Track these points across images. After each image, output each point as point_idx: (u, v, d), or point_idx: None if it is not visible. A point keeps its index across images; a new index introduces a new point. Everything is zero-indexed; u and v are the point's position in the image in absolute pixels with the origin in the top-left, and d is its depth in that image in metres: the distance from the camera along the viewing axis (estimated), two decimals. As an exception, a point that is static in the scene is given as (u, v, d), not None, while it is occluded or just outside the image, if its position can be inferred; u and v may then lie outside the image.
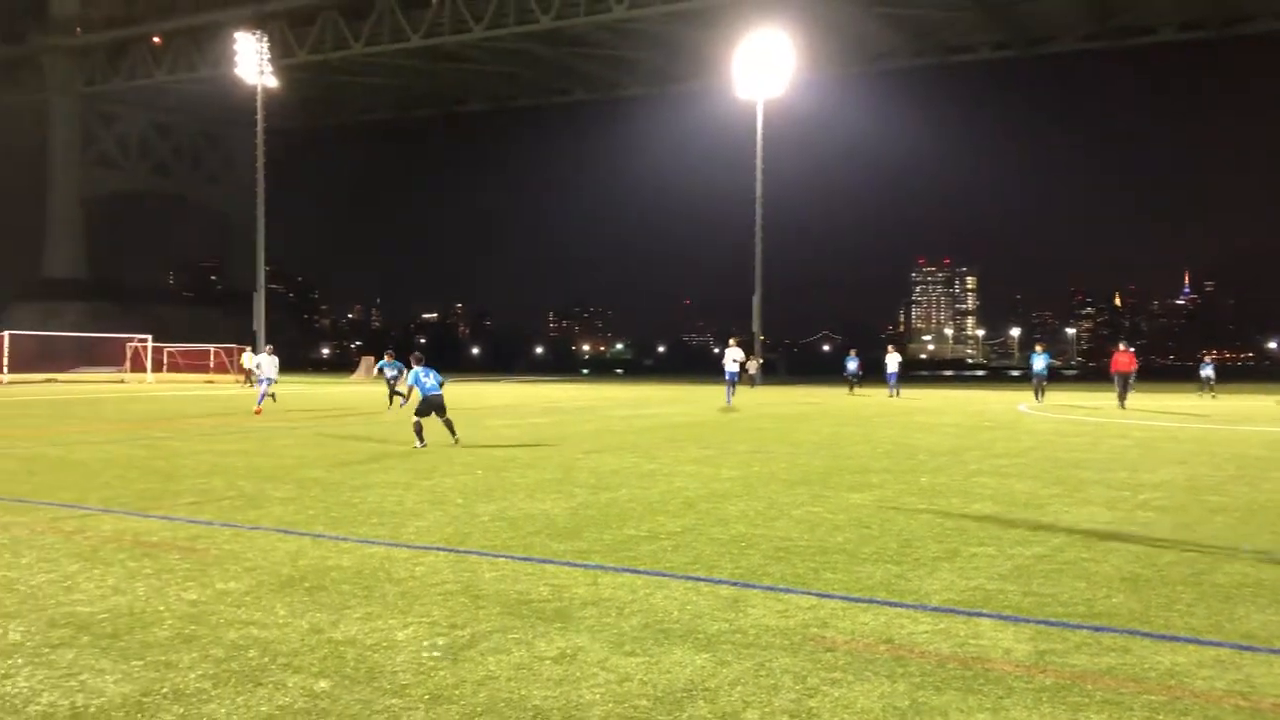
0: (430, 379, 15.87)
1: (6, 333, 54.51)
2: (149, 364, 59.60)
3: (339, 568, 7.04)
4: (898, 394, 36.85)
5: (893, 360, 38.71)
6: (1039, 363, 33.04)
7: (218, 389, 47.23)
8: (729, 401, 29.83)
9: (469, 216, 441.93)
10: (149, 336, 61.40)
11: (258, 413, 24.74)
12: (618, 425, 21.24)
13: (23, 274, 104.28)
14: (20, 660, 4.90)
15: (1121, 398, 29.02)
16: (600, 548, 7.84)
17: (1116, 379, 29.51)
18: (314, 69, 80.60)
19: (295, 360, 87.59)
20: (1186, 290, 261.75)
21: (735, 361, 31.55)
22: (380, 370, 27.46)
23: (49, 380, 53.27)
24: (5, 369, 51.86)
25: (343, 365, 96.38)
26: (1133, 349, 31.16)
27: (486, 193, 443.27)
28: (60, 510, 9.58)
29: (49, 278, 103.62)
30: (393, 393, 25.94)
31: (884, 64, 69.86)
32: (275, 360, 27.09)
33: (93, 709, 4.26)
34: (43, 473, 12.59)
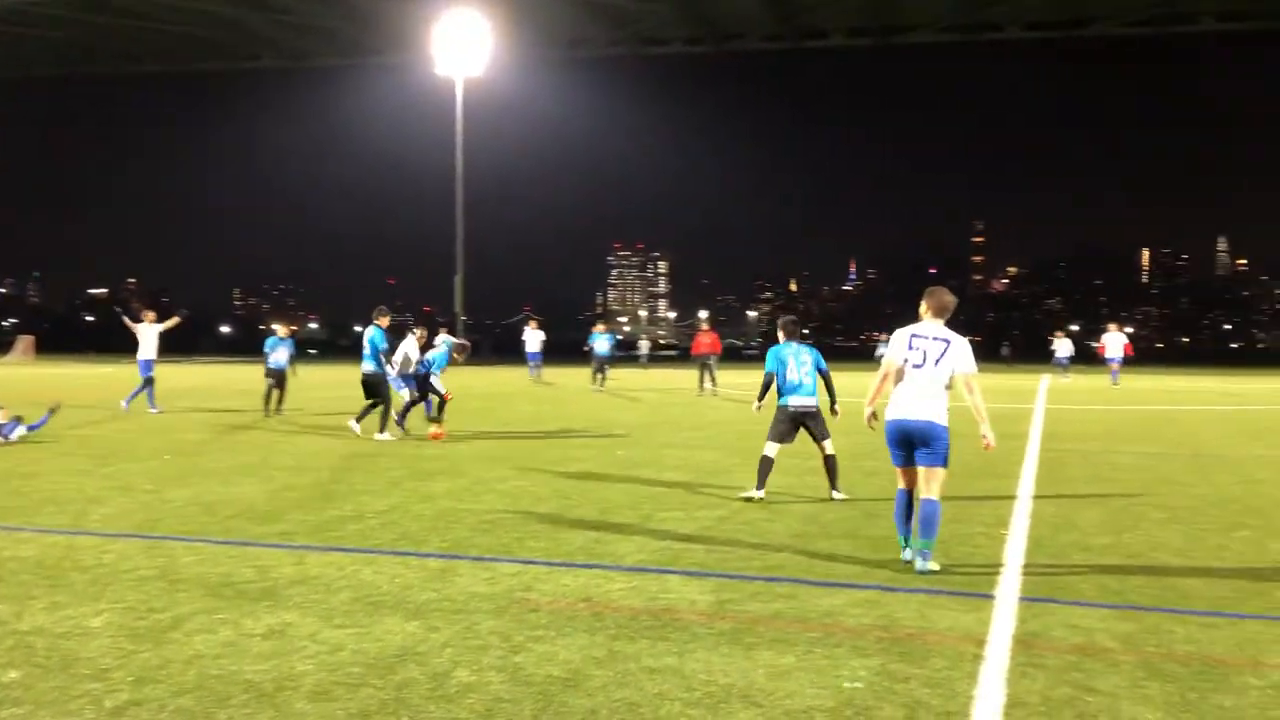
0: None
1: None
2: None
3: (17, 558, 6.63)
4: (539, 376, 32.95)
5: (534, 339, 33.58)
6: (601, 344, 29.36)
7: None
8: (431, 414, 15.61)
9: (149, 186, 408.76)
10: None
11: None
12: (317, 406, 20.70)
13: None
14: None
15: (703, 381, 25.97)
16: (304, 529, 7.81)
17: (697, 362, 26.64)
18: (-43, 14, 71.90)
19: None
20: (853, 276, 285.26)
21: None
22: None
23: None
24: None
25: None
26: (716, 331, 28.23)
27: (168, 161, 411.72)
28: None
29: None
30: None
31: (581, 51, 71.04)
32: None
33: None
34: None
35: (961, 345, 6.64)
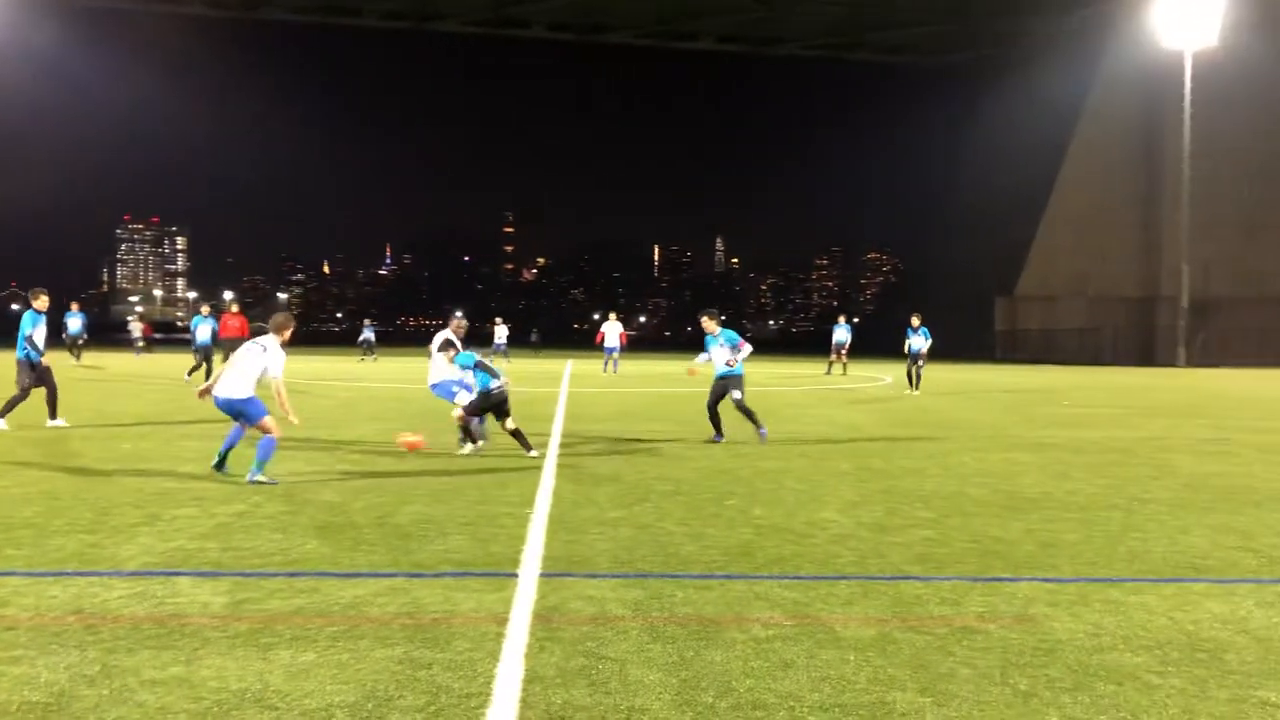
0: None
1: None
2: None
3: None
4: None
5: None
6: (203, 330, 25.21)
7: None
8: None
9: None
10: None
11: None
12: None
13: None
14: None
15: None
16: None
17: (224, 347, 22.95)
18: None
19: None
20: (389, 261, 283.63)
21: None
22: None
23: None
24: None
25: None
26: (244, 316, 25.59)
27: None
28: None
29: None
30: None
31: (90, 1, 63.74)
32: None
33: None
34: None
35: (275, 352, 9.29)
